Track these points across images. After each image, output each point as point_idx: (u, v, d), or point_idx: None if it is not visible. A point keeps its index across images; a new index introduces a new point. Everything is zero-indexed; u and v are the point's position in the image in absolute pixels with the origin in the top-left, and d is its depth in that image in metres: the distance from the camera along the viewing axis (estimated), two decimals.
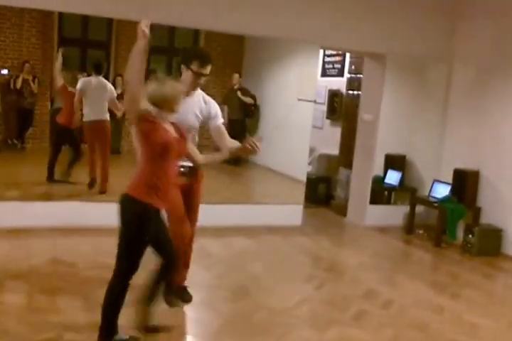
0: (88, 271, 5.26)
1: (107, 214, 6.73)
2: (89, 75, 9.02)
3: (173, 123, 3.74)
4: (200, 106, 4.39)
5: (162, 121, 3.62)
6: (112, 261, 5.48)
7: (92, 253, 5.81)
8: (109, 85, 8.69)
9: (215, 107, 4.49)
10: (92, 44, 12.69)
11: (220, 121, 4.54)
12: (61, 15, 11.58)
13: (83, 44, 12.60)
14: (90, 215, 6.71)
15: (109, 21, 12.07)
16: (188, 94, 4.19)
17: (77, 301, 4.50)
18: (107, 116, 8.58)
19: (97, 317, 4.14)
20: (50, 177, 8.31)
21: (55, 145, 8.78)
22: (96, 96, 8.44)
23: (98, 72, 8.64)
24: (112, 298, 3.81)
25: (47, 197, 7.13)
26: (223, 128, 4.50)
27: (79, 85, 8.46)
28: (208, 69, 4.30)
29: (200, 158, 4.13)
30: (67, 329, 3.98)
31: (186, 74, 4.23)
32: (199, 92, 4.43)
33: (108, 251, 5.89)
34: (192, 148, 4.06)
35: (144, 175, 3.70)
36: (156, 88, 3.61)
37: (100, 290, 4.70)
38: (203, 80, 4.33)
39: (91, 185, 8.22)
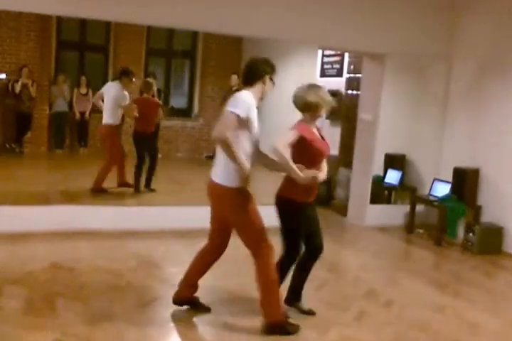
0: (87, 276, 5.25)
1: (105, 217, 6.82)
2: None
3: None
4: None
5: (313, 128, 4.48)
6: (110, 264, 5.54)
7: (91, 258, 5.80)
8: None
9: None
10: (90, 47, 12.72)
11: None
12: (59, 19, 11.63)
13: (81, 48, 12.63)
14: (88, 219, 6.71)
15: (108, 25, 12.12)
16: (261, 100, 4.48)
17: (76, 306, 4.49)
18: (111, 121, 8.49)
19: (96, 321, 4.19)
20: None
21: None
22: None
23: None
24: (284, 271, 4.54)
25: (45, 201, 7.11)
26: None
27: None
28: None
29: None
30: (67, 334, 3.96)
31: (268, 84, 4.38)
32: None
33: (107, 254, 5.95)
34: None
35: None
36: (305, 95, 4.47)
37: (100, 294, 4.77)
38: None
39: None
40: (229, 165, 4.12)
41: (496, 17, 7.39)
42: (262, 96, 4.40)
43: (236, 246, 4.50)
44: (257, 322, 4.32)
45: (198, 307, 4.57)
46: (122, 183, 8.56)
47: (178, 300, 4.54)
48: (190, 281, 4.57)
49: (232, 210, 4.30)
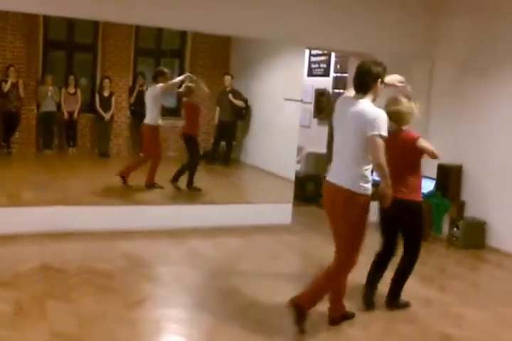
0: (77, 276, 5.26)
1: (94, 218, 6.85)
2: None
3: None
4: None
5: None
6: (99, 265, 5.57)
7: (81, 258, 5.81)
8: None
9: None
10: (78, 47, 12.70)
11: None
12: (46, 18, 11.60)
13: (69, 47, 12.62)
14: (78, 219, 6.73)
15: (96, 24, 12.10)
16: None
17: (66, 307, 4.52)
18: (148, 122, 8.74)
19: (86, 321, 4.24)
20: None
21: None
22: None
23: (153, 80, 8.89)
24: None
25: (34, 202, 7.12)
26: None
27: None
28: None
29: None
30: (57, 335, 3.99)
31: (379, 90, 4.39)
32: None
33: (96, 255, 6.00)
34: None
35: (420, 180, 4.95)
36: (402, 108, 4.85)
37: (90, 295, 4.81)
38: None
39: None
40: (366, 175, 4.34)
41: (476, 17, 7.49)
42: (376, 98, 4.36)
43: None
44: (247, 319, 4.39)
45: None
46: (150, 184, 8.64)
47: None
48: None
49: (351, 216, 4.31)
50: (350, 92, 4.39)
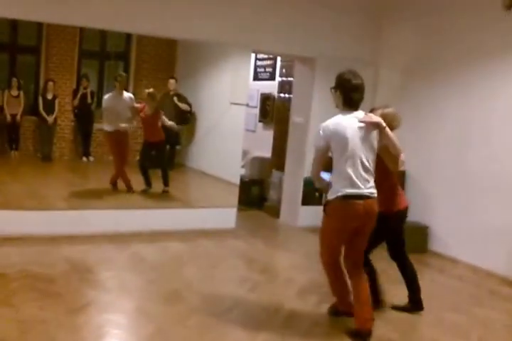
0: (18, 281, 5.15)
1: (34, 222, 6.72)
2: None
3: None
4: None
5: None
6: (41, 270, 5.47)
7: (22, 263, 5.69)
8: None
9: None
10: (21, 49, 12.47)
11: None
12: None
13: (12, 49, 12.38)
14: (18, 224, 6.60)
15: (39, 26, 11.91)
16: None
17: (7, 312, 4.43)
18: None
19: (28, 327, 4.15)
20: None
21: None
22: None
23: None
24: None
25: None
26: None
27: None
28: None
29: None
30: None
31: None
32: None
33: (38, 260, 5.88)
34: None
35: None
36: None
37: (31, 300, 4.71)
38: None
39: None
40: None
41: (419, 23, 7.65)
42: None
43: None
44: (190, 325, 4.37)
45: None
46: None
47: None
48: None
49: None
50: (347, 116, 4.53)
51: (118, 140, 8.87)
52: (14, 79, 11.70)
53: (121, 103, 8.98)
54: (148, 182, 8.86)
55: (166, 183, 8.89)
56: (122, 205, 7.76)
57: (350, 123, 4.36)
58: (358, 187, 4.33)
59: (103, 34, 12.59)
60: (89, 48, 12.87)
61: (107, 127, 8.91)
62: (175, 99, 11.19)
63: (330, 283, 4.80)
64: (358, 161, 4.34)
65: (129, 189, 8.75)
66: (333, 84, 8.17)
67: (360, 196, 4.34)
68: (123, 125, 8.85)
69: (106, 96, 9.17)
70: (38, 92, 12.08)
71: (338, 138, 4.34)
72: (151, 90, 9.15)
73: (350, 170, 4.34)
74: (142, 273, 5.71)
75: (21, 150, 11.87)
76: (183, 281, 5.53)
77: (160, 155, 9.06)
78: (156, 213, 7.41)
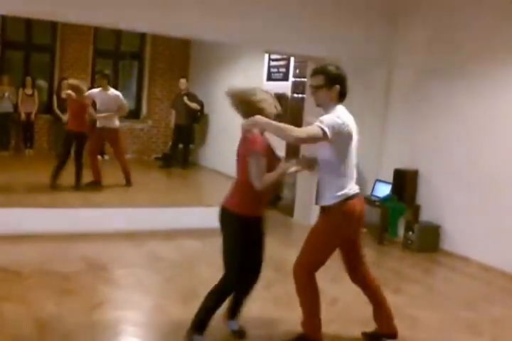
0: (33, 279, 5.22)
1: (51, 220, 6.79)
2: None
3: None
4: None
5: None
6: (57, 267, 5.54)
7: (37, 261, 5.77)
8: None
9: None
10: (36, 48, 12.58)
11: None
12: (4, 18, 11.48)
13: (27, 48, 12.49)
14: (34, 222, 6.65)
15: (54, 25, 12.01)
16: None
17: (22, 310, 4.47)
18: None
19: (43, 324, 4.20)
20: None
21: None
22: None
23: None
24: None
25: None
26: None
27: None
28: (313, 80, 4.17)
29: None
30: (13, 338, 3.97)
31: None
32: None
33: (53, 258, 5.95)
34: None
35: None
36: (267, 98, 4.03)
37: (47, 298, 4.77)
38: (316, 94, 4.20)
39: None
40: None
41: (433, 23, 7.65)
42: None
43: None
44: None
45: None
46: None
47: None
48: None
49: None
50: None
51: (105, 136, 9.23)
52: (28, 78, 11.81)
53: (108, 99, 9.11)
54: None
55: (77, 179, 8.87)
56: (138, 203, 7.83)
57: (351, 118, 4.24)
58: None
59: (117, 33, 12.69)
60: (104, 47, 12.97)
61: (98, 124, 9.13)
62: (185, 98, 11.27)
63: (309, 301, 4.33)
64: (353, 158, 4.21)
65: (97, 182, 8.93)
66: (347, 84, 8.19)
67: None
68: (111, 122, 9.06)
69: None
70: (53, 91, 12.19)
71: (349, 136, 4.14)
72: (74, 82, 9.09)
73: (353, 168, 4.19)
74: (158, 270, 5.77)
75: (36, 149, 12.00)
76: (198, 279, 5.57)
77: (78, 147, 8.95)
78: (172, 211, 7.47)
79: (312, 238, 4.31)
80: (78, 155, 8.85)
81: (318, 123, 3.94)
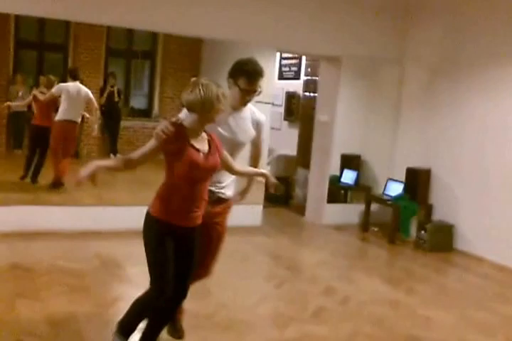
0: (47, 276, 5.24)
1: (65, 217, 6.83)
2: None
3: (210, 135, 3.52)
4: (250, 123, 3.97)
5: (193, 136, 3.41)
6: (70, 264, 5.56)
7: (51, 258, 5.79)
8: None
9: (261, 127, 4.04)
10: (49, 47, 12.62)
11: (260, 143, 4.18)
12: (17, 17, 11.52)
13: (40, 47, 12.53)
14: (48, 219, 6.69)
15: (67, 24, 12.04)
16: (236, 108, 3.86)
17: (36, 307, 4.49)
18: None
19: (57, 321, 4.21)
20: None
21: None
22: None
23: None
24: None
25: (3, 201, 7.00)
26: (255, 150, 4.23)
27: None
28: (256, 86, 3.79)
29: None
30: (27, 335, 3.97)
31: (234, 89, 3.81)
32: (248, 107, 3.96)
33: (67, 255, 5.98)
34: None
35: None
36: (197, 93, 3.33)
37: (60, 295, 4.78)
38: (252, 97, 3.86)
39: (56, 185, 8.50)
40: None
41: (445, 22, 7.64)
42: (235, 103, 3.83)
43: None
44: (219, 319, 4.42)
45: None
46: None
47: None
48: None
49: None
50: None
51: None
52: (42, 77, 11.83)
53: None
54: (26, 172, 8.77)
55: (34, 174, 8.76)
56: (150, 201, 7.83)
57: None
58: None
59: (130, 33, 12.70)
60: (116, 47, 12.99)
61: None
62: None
63: None
64: None
65: (58, 184, 8.56)
66: (359, 84, 8.24)
67: None
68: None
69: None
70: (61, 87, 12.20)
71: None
72: (51, 77, 9.29)
73: None
74: None
75: (49, 147, 12.00)
76: (211, 277, 5.57)
77: (43, 141, 8.88)
78: None
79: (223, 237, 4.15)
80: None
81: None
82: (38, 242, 6.32)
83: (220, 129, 3.73)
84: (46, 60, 12.70)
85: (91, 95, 8.81)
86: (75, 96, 8.61)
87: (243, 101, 3.83)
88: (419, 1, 8.09)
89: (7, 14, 10.43)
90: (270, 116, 8.38)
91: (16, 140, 11.74)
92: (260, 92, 3.84)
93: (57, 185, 8.49)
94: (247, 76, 3.75)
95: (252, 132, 3.97)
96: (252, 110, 4.00)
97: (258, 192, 8.07)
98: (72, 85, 8.77)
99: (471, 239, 7.13)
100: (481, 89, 7.15)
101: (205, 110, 3.34)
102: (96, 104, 8.87)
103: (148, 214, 3.68)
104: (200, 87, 3.35)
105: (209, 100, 3.33)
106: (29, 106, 11.69)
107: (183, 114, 3.63)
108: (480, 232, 7.04)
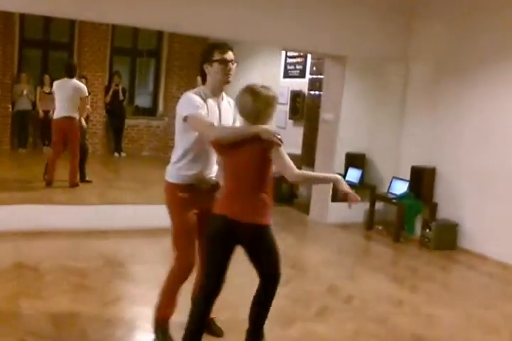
0: (51, 275, 5.24)
1: (69, 216, 6.84)
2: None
3: None
4: (230, 108, 4.02)
5: None
6: (74, 263, 5.57)
7: (55, 257, 5.80)
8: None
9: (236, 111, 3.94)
10: (54, 46, 12.66)
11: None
12: (22, 16, 11.55)
13: (45, 46, 12.57)
14: (52, 218, 6.70)
15: (72, 23, 12.07)
16: (216, 94, 3.90)
17: (40, 305, 4.49)
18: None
19: (60, 320, 4.21)
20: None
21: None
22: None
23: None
24: None
25: (7, 200, 7.06)
26: None
27: None
28: (231, 55, 3.83)
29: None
30: (30, 334, 3.96)
31: (213, 71, 3.82)
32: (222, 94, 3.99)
33: (71, 254, 5.99)
34: None
35: None
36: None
37: (63, 294, 4.79)
38: (232, 70, 3.83)
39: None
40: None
41: (450, 20, 7.62)
42: (216, 87, 3.87)
43: None
44: (223, 317, 4.43)
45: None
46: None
47: None
48: None
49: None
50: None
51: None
52: (46, 76, 11.86)
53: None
54: None
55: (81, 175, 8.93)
56: (154, 200, 7.84)
57: None
58: None
59: (135, 31, 12.73)
60: (121, 45, 13.02)
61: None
62: None
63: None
64: None
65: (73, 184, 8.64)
66: (364, 83, 8.20)
67: None
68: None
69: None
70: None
71: None
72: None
73: None
74: None
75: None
76: None
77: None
78: None
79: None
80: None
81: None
82: (41, 241, 6.32)
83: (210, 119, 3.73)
84: (51, 58, 12.74)
85: (83, 92, 8.70)
86: (62, 92, 8.58)
87: (226, 77, 3.82)
88: (424, 0, 8.07)
89: (12, 13, 10.50)
90: (275, 114, 8.39)
91: (20, 139, 11.78)
92: (237, 63, 3.87)
93: (73, 185, 8.58)
94: (217, 47, 3.81)
95: (232, 116, 4.01)
96: (223, 95, 4.00)
97: None
98: (60, 82, 8.74)
99: (476, 238, 7.12)
100: (487, 87, 7.12)
101: (267, 115, 3.60)
102: (88, 103, 8.82)
103: (266, 227, 3.86)
104: (257, 95, 3.54)
105: (269, 106, 3.60)
106: (33, 105, 11.76)
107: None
108: (484, 231, 7.02)
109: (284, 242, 7.15)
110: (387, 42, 8.11)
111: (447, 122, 7.61)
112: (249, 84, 3.60)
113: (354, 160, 8.25)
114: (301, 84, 9.83)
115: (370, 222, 8.03)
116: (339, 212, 8.14)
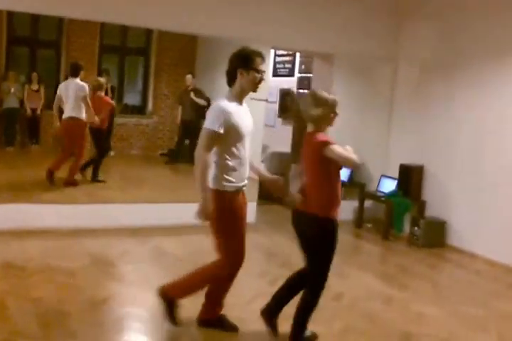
0: (39, 275, 5.22)
1: (56, 215, 6.81)
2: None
3: None
4: (249, 113, 4.14)
5: None
6: (62, 263, 5.54)
7: (43, 256, 5.77)
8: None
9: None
10: (42, 43, 12.58)
11: None
12: (10, 14, 11.47)
13: (33, 43, 12.49)
14: (40, 217, 6.67)
15: (60, 20, 12.00)
16: (241, 100, 3.99)
17: (27, 305, 4.46)
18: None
19: (48, 320, 4.19)
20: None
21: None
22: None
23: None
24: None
25: None
26: None
27: None
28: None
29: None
30: (17, 335, 3.94)
31: (248, 78, 3.87)
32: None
33: (59, 253, 5.98)
34: None
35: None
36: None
37: (52, 293, 4.77)
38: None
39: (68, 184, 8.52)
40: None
41: (439, 21, 7.63)
42: (244, 93, 3.97)
43: None
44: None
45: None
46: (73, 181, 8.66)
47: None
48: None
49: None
50: None
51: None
52: (34, 74, 11.81)
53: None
54: None
55: (94, 173, 9.00)
56: (144, 199, 7.83)
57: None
58: None
59: (124, 29, 12.67)
60: (110, 43, 12.95)
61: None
62: (191, 94, 11.26)
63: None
64: None
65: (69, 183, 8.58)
66: (352, 82, 8.21)
67: None
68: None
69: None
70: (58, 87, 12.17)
71: None
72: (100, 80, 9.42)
73: None
74: (164, 266, 5.77)
75: (41, 144, 11.99)
76: None
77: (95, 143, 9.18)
78: (177, 207, 7.46)
79: None
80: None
81: None
82: (29, 240, 6.28)
83: (240, 124, 3.91)
84: (39, 56, 12.66)
85: (83, 91, 8.60)
86: (65, 93, 8.56)
87: (256, 87, 3.96)
88: (412, 0, 8.08)
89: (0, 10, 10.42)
90: (264, 113, 8.38)
91: (7, 137, 11.70)
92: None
93: (68, 184, 8.51)
94: (259, 56, 3.89)
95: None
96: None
97: (252, 189, 8.08)
98: (64, 83, 8.74)
99: (464, 235, 7.15)
100: (474, 86, 7.15)
101: (331, 119, 4.08)
102: (89, 101, 8.74)
103: (321, 218, 4.15)
104: (323, 100, 4.00)
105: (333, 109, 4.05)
106: (21, 103, 11.70)
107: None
108: (472, 228, 7.06)
109: (273, 240, 7.19)
110: (376, 42, 8.11)
111: (435, 121, 7.63)
112: (312, 89, 3.90)
113: None
114: (290, 83, 9.84)
115: (359, 220, 8.05)
116: None
